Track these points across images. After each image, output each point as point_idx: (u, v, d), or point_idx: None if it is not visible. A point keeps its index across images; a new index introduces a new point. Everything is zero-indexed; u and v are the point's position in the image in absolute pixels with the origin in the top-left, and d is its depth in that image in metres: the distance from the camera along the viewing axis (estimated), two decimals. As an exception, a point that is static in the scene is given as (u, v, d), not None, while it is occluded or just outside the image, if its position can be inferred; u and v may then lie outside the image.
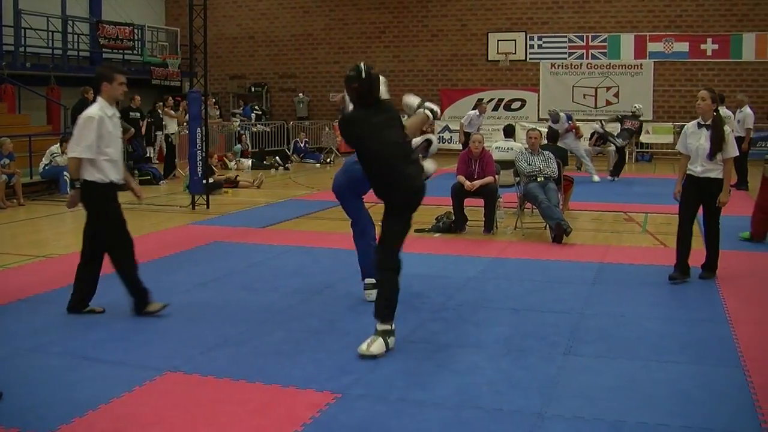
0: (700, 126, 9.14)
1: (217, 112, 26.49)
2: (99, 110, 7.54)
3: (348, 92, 6.87)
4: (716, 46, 27.81)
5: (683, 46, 28.16)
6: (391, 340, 6.67)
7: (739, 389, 5.82)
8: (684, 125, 9.81)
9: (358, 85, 6.71)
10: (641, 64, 28.49)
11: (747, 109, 18.30)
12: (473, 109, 23.12)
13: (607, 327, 7.34)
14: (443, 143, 28.59)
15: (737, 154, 9.31)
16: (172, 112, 21.83)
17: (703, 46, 27.96)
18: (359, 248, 8.51)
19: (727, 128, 9.15)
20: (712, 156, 8.98)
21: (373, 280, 8.00)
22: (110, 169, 7.64)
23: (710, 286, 8.99)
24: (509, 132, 15.56)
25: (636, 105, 21.62)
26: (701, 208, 9.38)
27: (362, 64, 6.77)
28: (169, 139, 21.54)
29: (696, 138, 9.11)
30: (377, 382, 5.90)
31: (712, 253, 9.47)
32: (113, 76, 7.72)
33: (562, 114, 20.22)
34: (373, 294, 7.65)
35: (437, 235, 12.27)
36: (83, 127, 7.47)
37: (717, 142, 8.96)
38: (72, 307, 7.75)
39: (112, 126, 7.62)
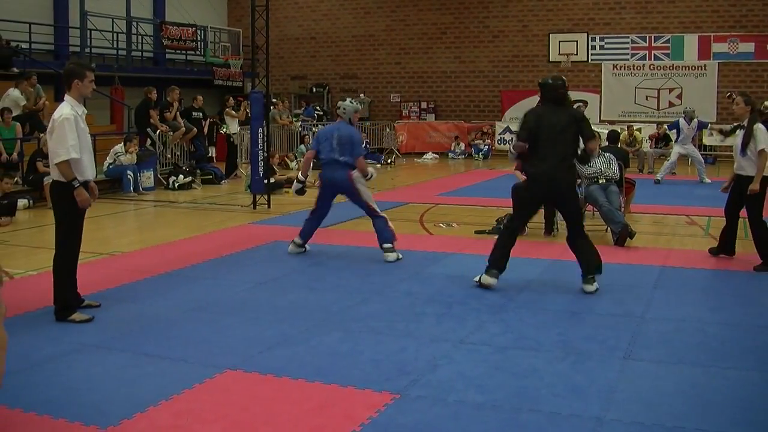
0: (740, 127, 10.11)
1: (287, 114, 26.59)
2: (71, 110, 7.42)
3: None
4: (783, 47, 27.32)
5: (749, 47, 27.65)
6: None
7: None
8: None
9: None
10: (705, 65, 28.07)
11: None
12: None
13: (668, 332, 7.28)
14: (502, 144, 28.52)
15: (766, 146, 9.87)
16: (233, 112, 21.99)
17: (769, 47, 27.47)
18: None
19: (758, 125, 9.98)
20: (743, 151, 10.00)
21: (389, 245, 10.30)
22: (87, 168, 7.57)
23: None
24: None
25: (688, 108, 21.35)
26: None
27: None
28: (231, 139, 21.70)
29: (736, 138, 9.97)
30: (435, 383, 5.91)
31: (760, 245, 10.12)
32: (85, 73, 7.60)
33: (698, 118, 20.17)
34: (390, 256, 10.25)
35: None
36: (63, 129, 7.31)
37: (746, 137, 9.97)
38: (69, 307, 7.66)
39: (83, 123, 7.53)
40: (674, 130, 21.09)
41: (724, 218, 10.66)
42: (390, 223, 10.56)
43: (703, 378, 6.12)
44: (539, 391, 5.79)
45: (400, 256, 10.39)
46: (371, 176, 10.74)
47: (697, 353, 6.70)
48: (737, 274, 9.79)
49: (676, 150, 20.47)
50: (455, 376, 6.05)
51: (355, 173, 10.45)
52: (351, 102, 10.82)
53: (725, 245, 10.61)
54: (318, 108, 30.42)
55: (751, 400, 5.67)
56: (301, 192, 11.03)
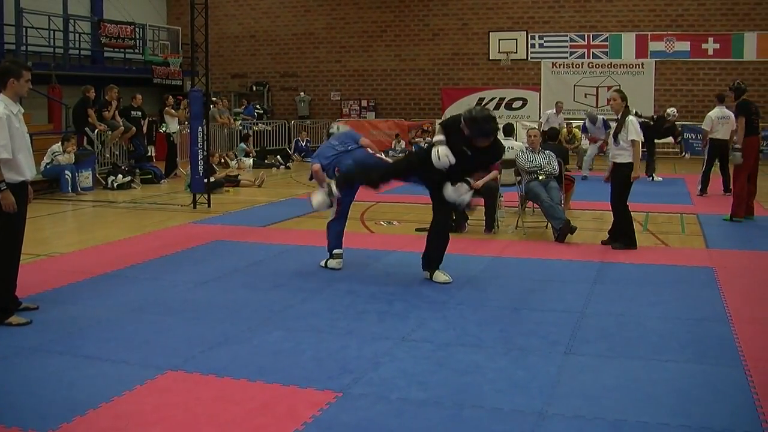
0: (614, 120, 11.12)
1: (227, 113, 26.46)
2: (4, 108, 7.26)
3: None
4: (717, 46, 27.85)
5: (685, 46, 28.18)
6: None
7: (740, 388, 5.82)
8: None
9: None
10: (642, 64, 28.49)
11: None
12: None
13: (608, 326, 7.35)
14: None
15: (641, 138, 11.05)
16: (173, 110, 21.81)
17: (704, 46, 28.00)
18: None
19: (630, 118, 11.08)
20: (615, 140, 11.05)
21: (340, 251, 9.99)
22: (24, 168, 7.44)
23: (711, 285, 9.00)
24: (509, 131, 15.53)
25: (670, 110, 21.59)
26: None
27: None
28: (170, 138, 21.52)
29: (599, 132, 10.42)
30: (378, 381, 5.90)
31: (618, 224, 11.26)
32: (21, 72, 7.45)
33: (600, 117, 20.39)
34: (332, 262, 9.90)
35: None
36: None
37: (618, 128, 11.06)
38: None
39: (18, 123, 7.37)
40: (584, 133, 21.48)
41: (611, 210, 11.29)
42: None
43: (642, 371, 6.19)
44: (481, 387, 5.80)
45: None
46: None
47: (637, 347, 6.77)
48: (674, 269, 9.91)
49: (590, 149, 20.92)
50: (397, 374, 6.05)
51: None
52: (342, 125, 11.25)
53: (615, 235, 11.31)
54: (258, 106, 30.29)
55: (689, 392, 5.74)
56: (329, 206, 9.83)
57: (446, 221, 9.57)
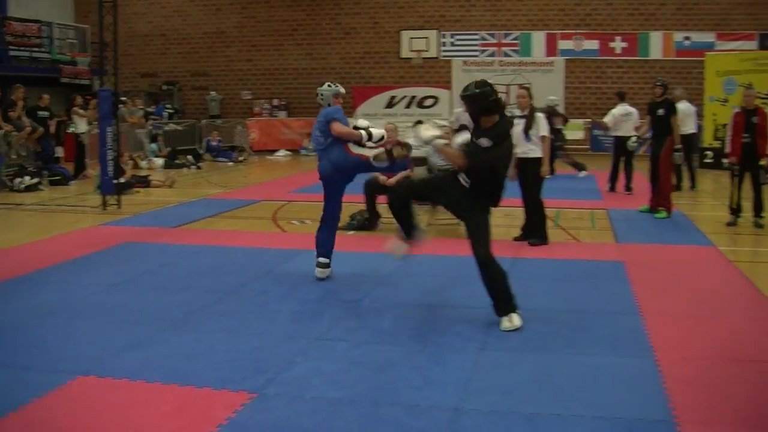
0: (520, 117, 11.28)
1: (141, 113, 26.11)
2: None
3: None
4: (625, 44, 28.42)
5: (593, 44, 28.68)
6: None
7: (650, 379, 5.97)
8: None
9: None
10: (552, 62, 28.88)
11: (681, 105, 18.22)
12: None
13: (523, 320, 7.42)
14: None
15: (548, 134, 11.41)
16: (81, 110, 21.45)
17: (612, 44, 28.55)
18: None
19: (538, 114, 11.46)
20: (526, 136, 11.17)
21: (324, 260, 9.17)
22: None
23: (621, 279, 9.17)
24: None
25: (551, 97, 21.81)
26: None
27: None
28: (79, 139, 21.16)
29: (515, 128, 10.54)
30: (292, 381, 5.89)
31: (533, 220, 11.42)
32: None
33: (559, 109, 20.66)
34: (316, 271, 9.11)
35: (351, 232, 12.28)
36: None
37: (528, 124, 11.22)
38: None
39: None
40: None
41: (524, 207, 11.51)
42: None
43: (556, 365, 6.28)
44: (397, 384, 5.84)
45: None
46: (368, 135, 9.25)
47: (550, 341, 6.87)
48: (585, 263, 10.08)
49: None
50: (312, 373, 6.05)
51: (351, 145, 9.13)
52: (329, 85, 9.51)
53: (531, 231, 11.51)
54: (168, 106, 29.96)
55: (602, 384, 5.85)
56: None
57: (486, 251, 7.57)
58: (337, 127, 8.98)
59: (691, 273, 9.68)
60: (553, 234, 11.83)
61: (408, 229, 7.79)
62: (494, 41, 29.24)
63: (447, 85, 29.28)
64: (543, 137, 11.22)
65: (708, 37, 27.95)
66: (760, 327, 7.43)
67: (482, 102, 7.33)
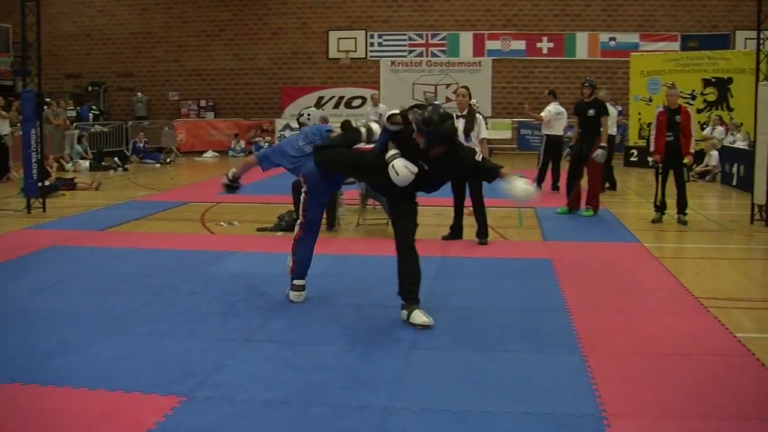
0: (457, 116, 11.08)
1: (64, 114, 25.70)
2: None
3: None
4: (551, 45, 28.83)
5: (520, 45, 29.05)
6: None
7: (578, 374, 6.05)
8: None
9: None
10: (480, 62, 29.13)
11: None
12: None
13: (451, 320, 7.46)
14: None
15: (487, 136, 11.73)
16: (4, 112, 21.08)
17: (539, 45, 28.95)
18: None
19: (478, 115, 11.64)
20: (467, 137, 11.19)
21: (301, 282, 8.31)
22: None
23: (548, 276, 9.27)
24: (346, 129, 15.58)
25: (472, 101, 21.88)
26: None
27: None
28: (2, 141, 20.80)
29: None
30: (223, 383, 5.85)
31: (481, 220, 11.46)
32: None
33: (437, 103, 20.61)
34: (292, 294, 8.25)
35: (280, 233, 12.23)
36: None
37: (468, 125, 11.35)
38: None
39: None
40: None
41: (473, 207, 11.54)
42: None
43: (485, 362, 6.33)
44: (327, 384, 5.83)
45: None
46: (368, 133, 8.50)
47: (479, 339, 6.92)
48: (514, 261, 10.18)
49: None
50: (242, 375, 6.02)
51: None
52: (316, 108, 9.53)
53: (459, 230, 11.73)
54: (94, 107, 29.58)
55: (531, 380, 5.91)
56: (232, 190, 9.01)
57: (411, 243, 7.70)
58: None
59: (617, 269, 9.82)
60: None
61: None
62: (422, 41, 29.40)
63: (375, 85, 29.34)
64: (482, 140, 11.40)
65: (632, 37, 28.47)
66: (684, 322, 7.56)
67: (449, 138, 7.18)
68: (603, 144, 13.62)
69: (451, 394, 5.65)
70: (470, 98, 11.68)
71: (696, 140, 13.77)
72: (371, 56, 29.78)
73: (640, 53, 26.19)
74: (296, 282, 8.29)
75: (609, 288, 8.86)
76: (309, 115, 9.37)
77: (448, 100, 28.49)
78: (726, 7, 28.26)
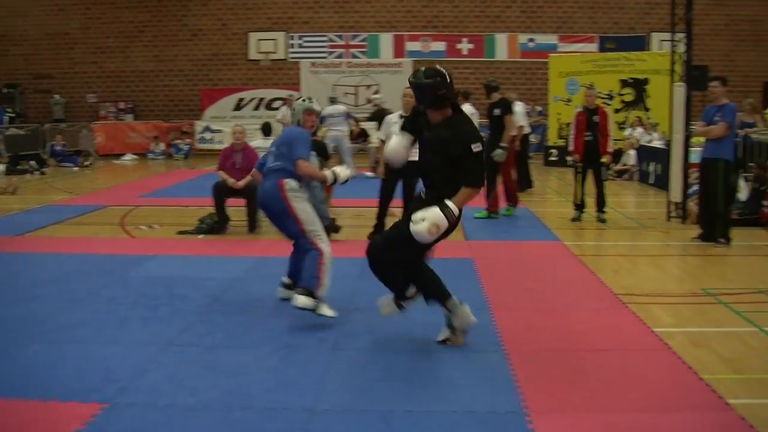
0: (401, 117, 10.92)
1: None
2: None
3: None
4: (471, 46, 29.06)
5: (440, 46, 29.22)
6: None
7: (500, 372, 6.13)
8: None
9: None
10: (400, 63, 29.22)
11: (517, 107, 18.38)
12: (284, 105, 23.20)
13: (373, 320, 7.47)
14: (203, 143, 28.49)
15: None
16: None
17: (458, 46, 29.15)
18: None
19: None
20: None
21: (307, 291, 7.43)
22: None
23: (470, 276, 9.34)
24: (267, 130, 15.56)
25: (375, 96, 21.90)
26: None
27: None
28: None
29: (396, 128, 10.32)
30: (144, 389, 5.79)
31: None
32: None
33: (340, 107, 20.59)
34: (300, 300, 7.33)
35: (201, 236, 12.15)
36: None
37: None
38: None
39: None
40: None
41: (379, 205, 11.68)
42: (324, 262, 7.63)
43: (408, 362, 6.37)
44: (251, 387, 5.82)
45: (329, 313, 7.49)
46: (335, 180, 8.09)
47: (402, 339, 6.96)
48: (436, 261, 10.19)
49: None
50: (164, 380, 5.96)
51: (289, 183, 7.72)
52: (303, 100, 8.29)
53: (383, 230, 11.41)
54: (9, 110, 29.05)
55: (454, 379, 5.97)
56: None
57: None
58: (304, 167, 7.73)
59: (538, 267, 9.95)
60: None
61: (399, 286, 7.02)
62: (342, 43, 29.42)
63: (295, 86, 29.27)
64: None
65: (551, 39, 28.85)
66: (604, 318, 7.70)
67: (429, 95, 6.50)
68: (503, 144, 13.69)
69: (375, 394, 5.67)
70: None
71: (614, 139, 13.99)
72: (291, 57, 29.70)
73: (559, 54, 26.54)
74: (283, 279, 8.33)
75: (530, 286, 8.97)
76: (294, 108, 8.31)
77: (369, 101, 28.65)
78: (642, 10, 28.83)
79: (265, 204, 7.85)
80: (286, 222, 7.72)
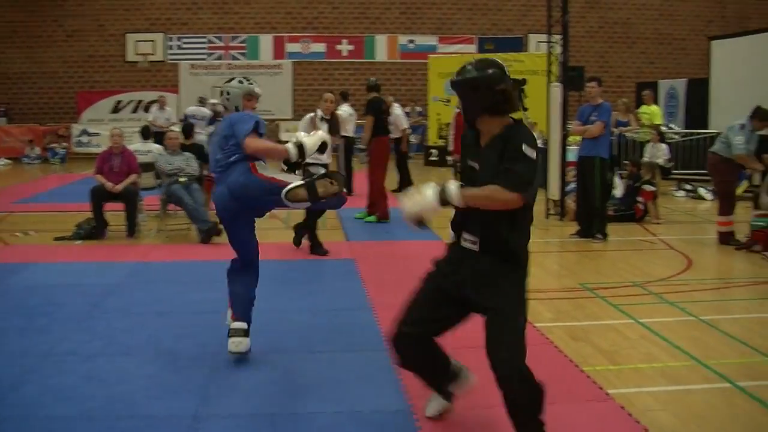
0: (322, 119, 11.04)
1: None
2: None
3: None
4: (352, 47, 29.19)
5: (320, 47, 29.27)
6: None
7: (385, 371, 6.15)
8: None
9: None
10: (280, 64, 29.15)
11: (396, 110, 18.40)
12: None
13: (259, 323, 7.42)
14: (80, 147, 27.94)
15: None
16: None
17: (339, 47, 29.23)
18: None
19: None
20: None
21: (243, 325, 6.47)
22: None
23: (352, 276, 9.38)
24: (146, 133, 15.35)
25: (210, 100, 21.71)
26: None
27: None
28: None
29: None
30: (23, 401, 5.63)
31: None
32: None
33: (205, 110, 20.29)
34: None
35: (79, 242, 11.89)
36: None
37: (333, 132, 11.08)
38: None
39: None
40: None
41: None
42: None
43: (294, 364, 6.36)
44: (134, 395, 5.71)
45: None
46: (302, 153, 6.27)
47: (288, 341, 6.95)
48: (318, 263, 10.28)
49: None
50: (44, 391, 5.80)
51: (259, 164, 6.34)
52: (240, 81, 6.86)
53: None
54: None
55: (340, 379, 5.98)
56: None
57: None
58: (253, 142, 6.18)
59: (420, 267, 9.89)
60: (283, 235, 11.88)
61: (440, 380, 5.35)
62: (222, 44, 29.20)
63: (174, 88, 28.95)
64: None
65: (431, 40, 29.18)
66: (484, 316, 7.79)
67: (484, 93, 4.66)
68: (360, 146, 13.69)
69: (261, 397, 5.65)
70: (336, 103, 11.77)
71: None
72: (170, 59, 29.33)
73: (438, 55, 26.86)
74: (235, 325, 6.47)
75: (412, 285, 9.01)
76: (228, 94, 6.76)
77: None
78: (520, 12, 29.42)
79: (241, 196, 6.26)
80: (268, 199, 6.23)
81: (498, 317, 4.79)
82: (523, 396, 4.63)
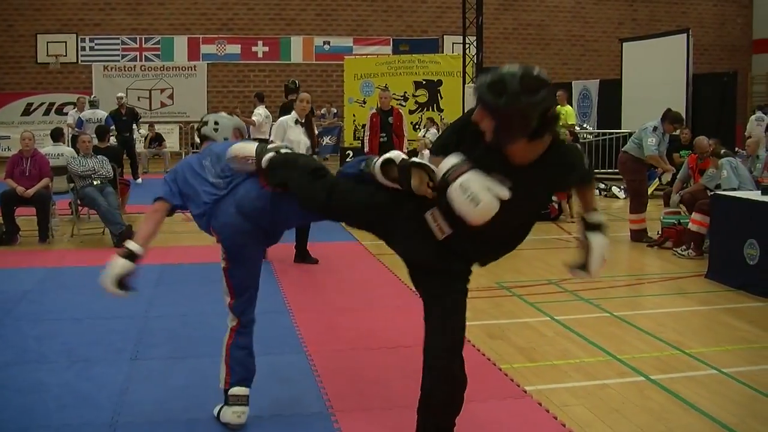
0: (296, 122, 10.55)
1: None
2: None
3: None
4: (267, 49, 29.12)
5: (236, 48, 29.13)
6: None
7: (304, 374, 6.18)
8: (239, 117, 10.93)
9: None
10: (195, 66, 28.96)
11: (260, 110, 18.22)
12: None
13: (173, 328, 7.39)
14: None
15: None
16: None
17: (254, 49, 29.14)
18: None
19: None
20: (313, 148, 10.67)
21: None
22: None
23: (269, 279, 9.32)
24: (57, 136, 15.07)
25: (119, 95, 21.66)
26: None
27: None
28: None
29: (295, 133, 10.41)
30: (-70, 411, 5.50)
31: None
32: None
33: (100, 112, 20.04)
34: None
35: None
36: None
37: (311, 135, 10.74)
38: None
39: None
40: None
41: None
42: None
43: (210, 368, 6.23)
44: (47, 404, 5.59)
45: None
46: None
47: (203, 345, 6.85)
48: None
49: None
50: (-49, 402, 5.68)
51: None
52: (231, 115, 6.21)
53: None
54: None
55: (259, 384, 5.83)
56: None
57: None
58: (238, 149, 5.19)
59: (337, 268, 10.06)
60: (200, 238, 11.77)
61: None
62: (135, 45, 28.86)
63: (87, 90, 28.43)
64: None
65: (346, 42, 29.26)
66: (403, 315, 7.80)
67: (532, 120, 3.77)
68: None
69: (178, 403, 5.58)
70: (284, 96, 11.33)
71: (408, 140, 14.29)
72: (83, 61, 28.87)
73: (354, 57, 26.85)
74: (238, 391, 5.30)
75: (330, 286, 9.07)
76: (216, 125, 5.87)
77: (163, 105, 28.29)
78: (435, 14, 29.63)
79: (260, 216, 5.50)
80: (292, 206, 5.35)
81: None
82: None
